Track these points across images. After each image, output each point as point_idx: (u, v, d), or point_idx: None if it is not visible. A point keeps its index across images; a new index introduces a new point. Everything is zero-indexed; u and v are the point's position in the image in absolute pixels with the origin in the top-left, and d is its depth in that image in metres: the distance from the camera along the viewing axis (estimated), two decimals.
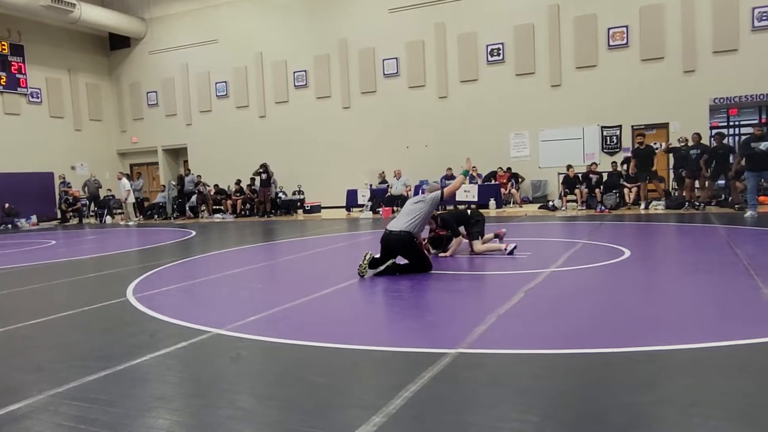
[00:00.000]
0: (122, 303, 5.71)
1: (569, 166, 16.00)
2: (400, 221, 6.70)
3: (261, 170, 18.91)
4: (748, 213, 11.46)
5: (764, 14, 15.52)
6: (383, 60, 20.18)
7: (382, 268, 6.50)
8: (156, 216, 20.54)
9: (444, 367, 3.31)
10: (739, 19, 15.76)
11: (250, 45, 22.22)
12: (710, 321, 4.23)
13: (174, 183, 20.94)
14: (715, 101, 16.24)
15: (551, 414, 2.67)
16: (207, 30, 23.06)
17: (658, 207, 14.17)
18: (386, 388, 3.04)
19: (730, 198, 13.70)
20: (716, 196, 14.38)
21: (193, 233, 13.89)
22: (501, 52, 18.49)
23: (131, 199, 19.76)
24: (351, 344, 3.90)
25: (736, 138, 19.28)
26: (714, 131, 14.41)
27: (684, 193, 14.12)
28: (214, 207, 20.47)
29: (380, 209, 16.80)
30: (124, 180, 19.67)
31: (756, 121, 18.18)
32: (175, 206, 20.26)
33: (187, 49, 23.57)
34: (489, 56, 18.67)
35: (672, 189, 15.23)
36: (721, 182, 14.81)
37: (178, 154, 25.18)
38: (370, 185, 18.73)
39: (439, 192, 6.94)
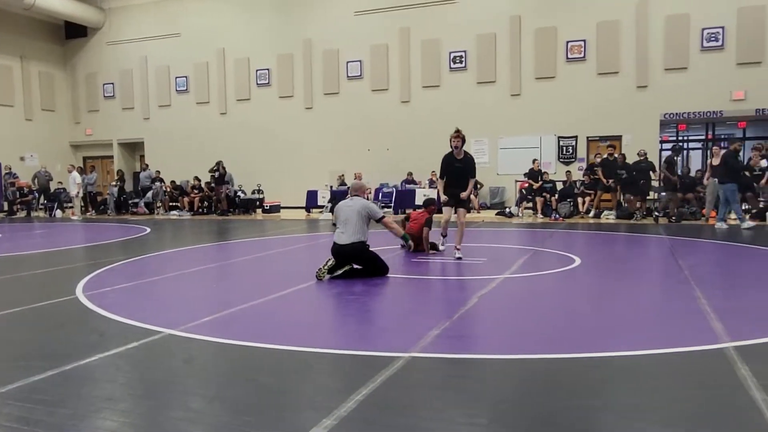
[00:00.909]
0: (71, 301, 5.57)
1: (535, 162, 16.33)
2: (348, 233, 6.58)
3: (215, 168, 18.66)
4: (744, 224, 11.76)
5: (712, 35, 16.21)
6: (347, 62, 20.20)
7: (339, 272, 6.52)
8: (109, 211, 20.03)
9: (396, 370, 3.37)
10: (689, 39, 16.40)
11: (213, 41, 21.92)
12: (652, 329, 4.41)
13: (116, 179, 20.49)
14: (665, 116, 16.85)
15: (499, 418, 2.76)
16: (169, 23, 22.64)
17: (609, 216, 14.61)
18: (338, 391, 3.08)
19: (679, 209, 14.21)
20: (664, 207, 14.89)
21: (148, 230, 13.61)
22: (463, 59, 18.76)
23: (81, 193, 19.18)
24: (305, 346, 3.92)
25: (685, 152, 20.06)
26: (642, 150, 15.06)
27: (628, 204, 14.64)
28: (171, 204, 20.09)
29: None
30: (75, 173, 19.09)
31: (702, 137, 18.97)
32: (113, 202, 19.84)
33: (148, 41, 23.07)
34: (452, 63, 18.91)
35: (623, 200, 15.71)
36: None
37: (134, 148, 24.61)
38: (331, 186, 18.71)
39: (378, 211, 6.82)
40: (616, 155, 15.05)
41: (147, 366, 3.65)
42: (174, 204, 20.08)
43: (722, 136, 20.00)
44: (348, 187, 17.17)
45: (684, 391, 3.09)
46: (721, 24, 16.07)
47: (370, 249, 6.69)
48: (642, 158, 14.47)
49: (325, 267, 6.45)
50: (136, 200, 20.28)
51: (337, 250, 6.58)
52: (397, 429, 2.63)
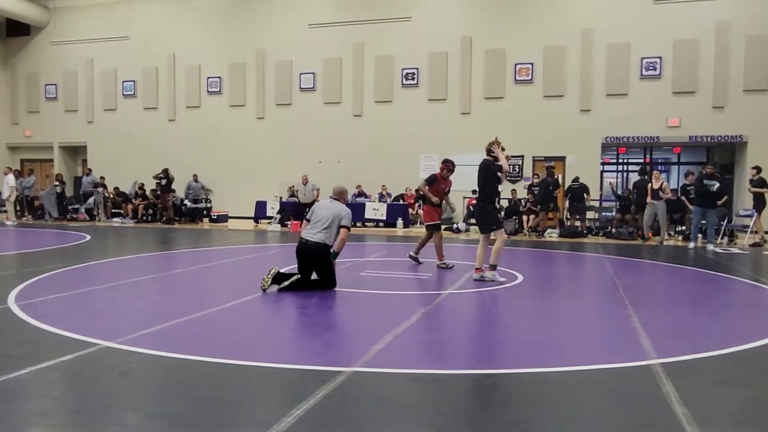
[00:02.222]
0: (2, 311, 5.35)
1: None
2: (317, 230, 6.60)
3: (162, 175, 18.24)
4: (692, 245, 12.41)
5: (651, 64, 17.03)
6: (300, 74, 20.18)
7: (286, 284, 6.49)
8: (47, 216, 19.25)
9: (338, 385, 3.40)
10: (629, 67, 17.17)
11: (163, 46, 21.51)
12: (586, 345, 4.60)
13: (56, 183, 19.73)
14: (606, 139, 17.54)
15: (438, 430, 2.83)
16: (117, 26, 22.08)
17: (552, 234, 15.06)
18: (279, 406, 3.08)
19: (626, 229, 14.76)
20: (604, 227, 15.49)
21: (88, 237, 13.17)
22: (416, 76, 19.05)
23: (13, 197, 18.32)
24: (247, 360, 3.90)
25: (625, 174, 20.94)
26: (576, 177, 15.80)
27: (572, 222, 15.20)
28: (113, 210, 19.49)
29: (289, 222, 16.67)
30: (10, 176, 18.27)
31: (641, 160, 19.84)
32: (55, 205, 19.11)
33: (94, 43, 22.41)
34: (404, 80, 19.17)
35: (566, 218, 16.23)
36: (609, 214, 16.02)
37: (76, 152, 23.77)
38: (280, 198, 18.58)
39: (348, 222, 6.80)
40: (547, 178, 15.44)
41: (82, 379, 3.56)
42: (117, 211, 19.50)
43: (659, 160, 20.99)
44: (297, 200, 17.05)
45: (611, 406, 3.24)
46: (658, 54, 16.90)
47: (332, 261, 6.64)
48: (574, 182, 15.23)
49: (269, 276, 6.41)
50: (77, 206, 19.59)
51: (303, 245, 6.57)
52: None
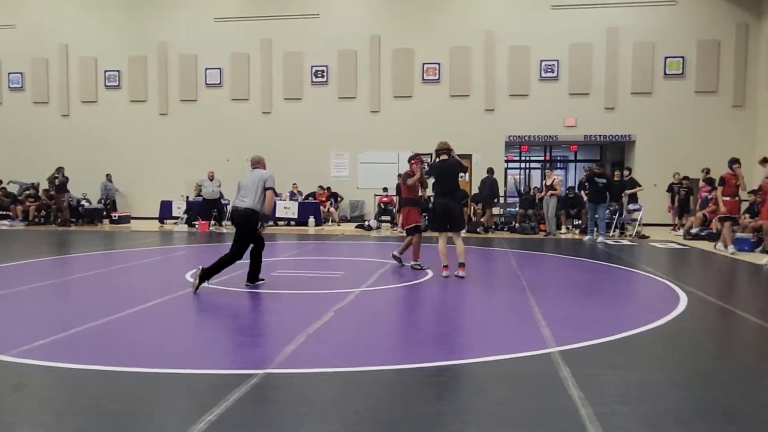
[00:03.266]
0: None
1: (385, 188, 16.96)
2: (244, 197, 6.73)
3: (56, 175, 17.11)
4: (588, 237, 13.38)
5: (549, 66, 17.96)
6: (206, 69, 19.57)
7: (204, 280, 6.44)
8: None
9: (251, 388, 3.38)
10: (529, 69, 18.03)
11: (54, 36, 20.13)
12: (492, 337, 4.83)
13: None
14: (510, 138, 18.32)
15: (350, 428, 2.89)
16: (2, 12, 20.42)
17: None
18: (190, 412, 3.02)
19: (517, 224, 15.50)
20: (508, 222, 16.19)
21: None
22: (325, 74, 19.01)
23: None
24: (154, 368, 3.78)
25: (527, 171, 21.97)
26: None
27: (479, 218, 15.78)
28: (1, 212, 18.05)
29: (196, 222, 16.17)
30: None
31: (542, 158, 20.91)
32: None
33: None
34: (313, 77, 19.08)
35: (471, 215, 16.80)
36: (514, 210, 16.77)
37: None
38: (187, 197, 17.95)
39: (272, 182, 6.88)
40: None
41: None
42: (5, 213, 18.07)
43: (558, 158, 22.20)
44: (204, 198, 16.52)
45: (514, 393, 3.43)
46: (556, 57, 17.86)
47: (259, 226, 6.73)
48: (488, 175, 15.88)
49: (196, 280, 6.36)
50: None
51: (233, 212, 6.87)
52: None
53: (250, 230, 6.71)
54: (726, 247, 10.80)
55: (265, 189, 6.77)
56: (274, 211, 16.35)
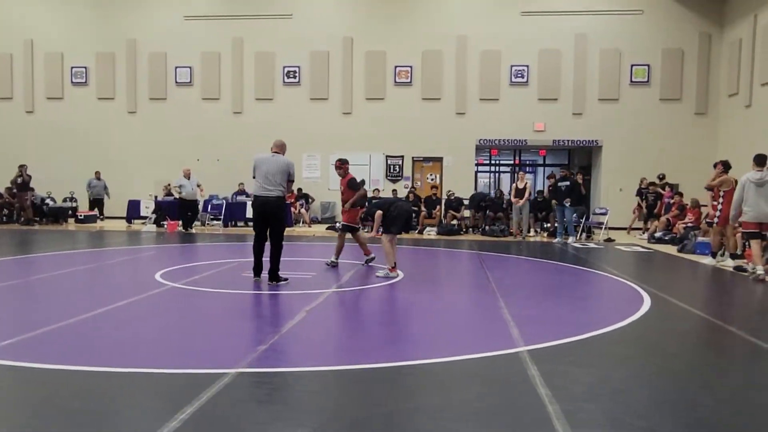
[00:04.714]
0: None
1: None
2: (271, 185, 6.85)
3: (19, 173, 16.67)
4: (557, 240, 13.76)
5: (519, 72, 18.23)
6: (176, 67, 19.33)
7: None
8: None
9: (223, 387, 3.38)
10: (500, 74, 18.26)
11: (19, 30, 19.64)
12: (460, 337, 4.90)
13: None
14: (480, 141, 18.53)
15: (322, 426, 2.91)
16: None
17: (431, 233, 15.67)
18: (162, 412, 3.01)
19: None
20: (476, 225, 16.36)
21: None
22: (297, 74, 18.96)
23: None
24: (125, 367, 3.74)
25: (497, 175, 22.24)
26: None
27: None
28: None
29: (165, 222, 15.94)
30: None
31: (511, 161, 21.19)
32: None
33: None
34: (285, 77, 19.01)
35: (442, 217, 16.94)
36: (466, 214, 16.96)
37: None
38: (156, 197, 17.69)
39: (292, 169, 7.08)
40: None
41: None
42: None
43: (527, 162, 22.53)
44: (179, 198, 16.21)
45: (483, 391, 3.50)
46: (526, 63, 18.14)
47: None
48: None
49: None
50: None
51: (264, 201, 6.87)
52: None
53: (281, 218, 7.03)
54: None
55: (290, 180, 7.02)
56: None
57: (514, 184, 14.61)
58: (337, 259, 8.78)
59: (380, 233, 7.90)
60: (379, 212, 7.82)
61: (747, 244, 9.31)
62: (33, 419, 2.99)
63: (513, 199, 14.65)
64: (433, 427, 2.93)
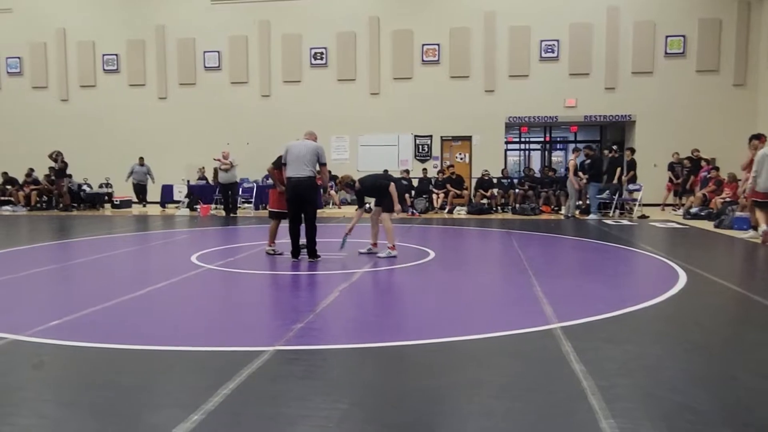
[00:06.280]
0: None
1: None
2: (302, 166, 7.17)
3: (54, 158, 17.09)
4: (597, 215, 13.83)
5: (549, 47, 17.90)
6: (204, 52, 19.52)
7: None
8: None
9: (262, 364, 3.47)
10: (530, 50, 17.96)
11: (52, 20, 20.04)
12: (495, 314, 4.92)
13: None
14: (510, 119, 18.32)
15: (358, 401, 2.99)
16: None
17: (461, 212, 15.63)
18: (204, 388, 3.12)
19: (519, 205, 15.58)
20: (508, 203, 16.26)
21: None
22: (324, 56, 18.95)
23: None
24: (167, 345, 3.88)
25: (527, 153, 21.98)
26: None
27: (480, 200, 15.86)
28: (2, 198, 18.12)
29: (198, 206, 16.23)
30: None
31: (542, 139, 20.90)
32: None
33: None
34: (312, 59, 19.02)
35: (473, 196, 16.87)
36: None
37: None
38: (188, 181, 18.00)
39: (324, 157, 7.42)
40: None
41: None
42: (6, 198, 18.15)
43: (558, 139, 22.20)
44: (213, 181, 16.43)
45: (518, 367, 3.53)
46: (556, 37, 17.79)
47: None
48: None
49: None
50: None
51: (296, 183, 7.16)
52: (263, 418, 2.76)
53: (313, 200, 7.34)
54: None
55: (321, 164, 7.31)
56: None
57: (571, 161, 14.34)
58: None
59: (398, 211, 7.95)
60: (392, 185, 7.90)
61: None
62: (83, 393, 3.12)
63: (573, 178, 13.97)
64: (469, 403, 2.97)
